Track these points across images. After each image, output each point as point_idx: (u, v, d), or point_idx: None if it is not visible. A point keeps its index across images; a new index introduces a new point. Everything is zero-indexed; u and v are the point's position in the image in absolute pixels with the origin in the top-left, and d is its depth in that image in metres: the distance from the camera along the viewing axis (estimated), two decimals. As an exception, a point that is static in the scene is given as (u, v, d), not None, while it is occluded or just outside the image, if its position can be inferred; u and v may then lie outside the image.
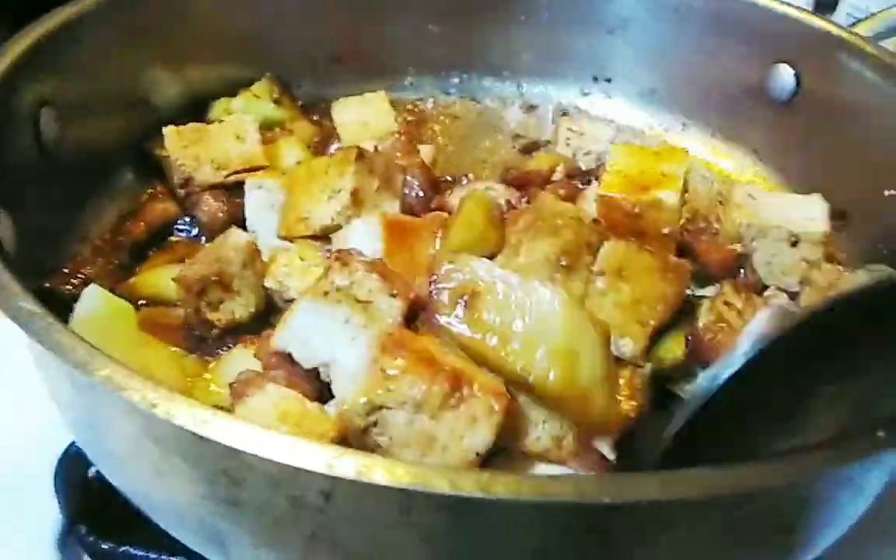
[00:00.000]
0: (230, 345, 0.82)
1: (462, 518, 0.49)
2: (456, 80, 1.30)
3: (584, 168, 1.13)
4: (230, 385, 0.68)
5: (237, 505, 0.54)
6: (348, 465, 0.46)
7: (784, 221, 0.95)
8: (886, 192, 1.00)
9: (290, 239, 0.89)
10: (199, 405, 0.49)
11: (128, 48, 0.99)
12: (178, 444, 0.52)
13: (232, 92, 1.12)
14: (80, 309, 0.76)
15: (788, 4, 1.12)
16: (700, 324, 0.82)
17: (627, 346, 0.73)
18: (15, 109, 0.83)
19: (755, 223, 0.96)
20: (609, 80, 1.27)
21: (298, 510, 0.51)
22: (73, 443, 0.84)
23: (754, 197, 1.00)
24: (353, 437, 0.60)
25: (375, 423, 0.59)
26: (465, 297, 0.65)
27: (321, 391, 0.68)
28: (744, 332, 0.80)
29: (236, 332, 0.83)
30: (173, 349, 0.83)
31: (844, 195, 1.04)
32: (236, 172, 0.97)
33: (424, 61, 1.28)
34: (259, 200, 0.93)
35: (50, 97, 0.87)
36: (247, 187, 0.94)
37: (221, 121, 1.02)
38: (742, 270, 0.97)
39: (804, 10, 1.15)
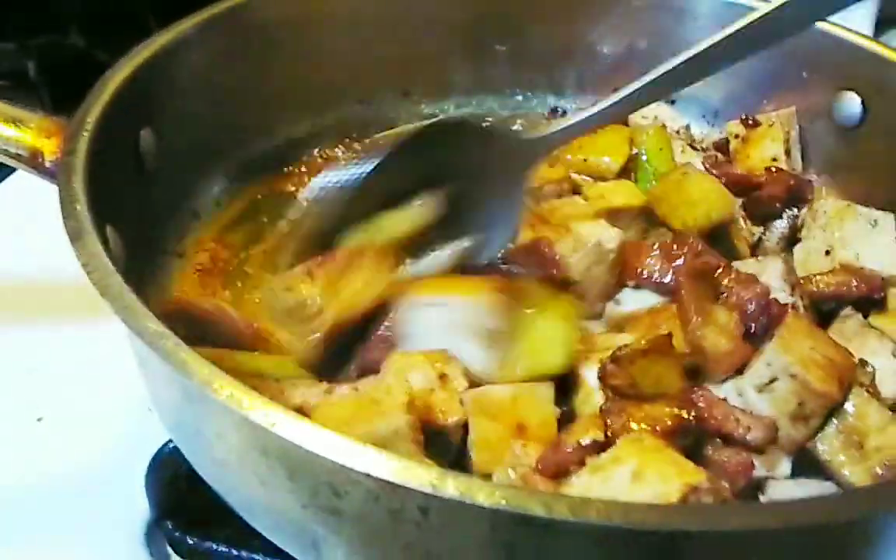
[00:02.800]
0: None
1: (548, 538, 0.52)
2: (519, 98, 1.33)
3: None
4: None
5: (337, 514, 0.59)
6: (450, 485, 0.50)
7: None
8: (950, 222, 1.00)
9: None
10: (311, 423, 0.53)
11: (219, 69, 1.05)
12: (286, 456, 0.57)
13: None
14: None
15: (853, 31, 1.14)
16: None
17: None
18: (119, 132, 0.88)
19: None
20: (673, 102, 1.29)
21: (397, 523, 0.56)
22: (167, 443, 0.90)
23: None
24: None
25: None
26: None
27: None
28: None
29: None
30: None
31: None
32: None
33: (486, 81, 1.32)
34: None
35: (150, 119, 0.93)
36: None
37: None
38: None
39: (868, 37, 1.16)
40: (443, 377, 0.71)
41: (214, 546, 0.85)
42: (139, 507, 0.88)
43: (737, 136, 1.16)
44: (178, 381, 0.61)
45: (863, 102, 1.11)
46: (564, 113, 1.24)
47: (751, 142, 1.15)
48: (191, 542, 0.86)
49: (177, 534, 0.86)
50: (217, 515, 0.79)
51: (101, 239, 0.70)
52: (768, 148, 1.13)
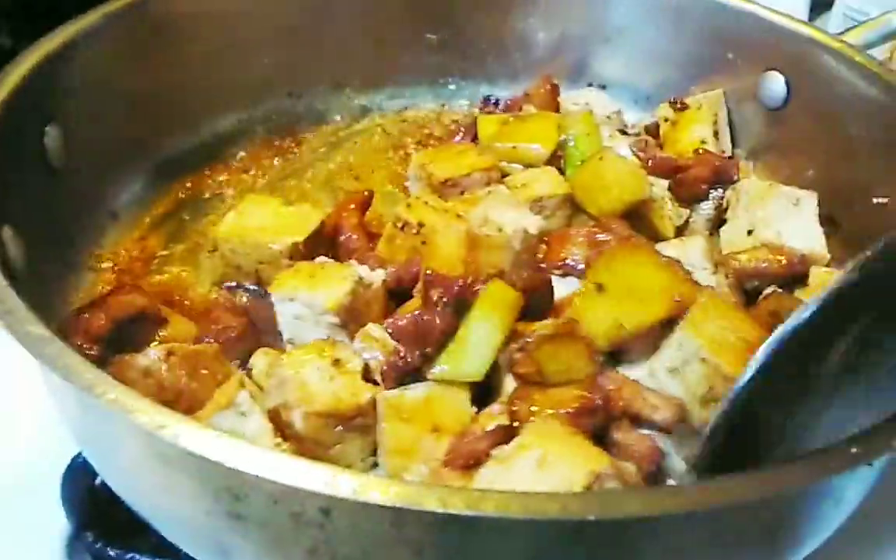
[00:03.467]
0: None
1: (452, 534, 0.51)
2: (453, 87, 1.32)
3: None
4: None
5: (240, 519, 0.57)
6: (345, 484, 0.49)
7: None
8: (875, 200, 1.02)
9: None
10: (203, 427, 0.51)
11: (129, 63, 1.01)
12: (183, 463, 0.55)
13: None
14: None
15: (779, 13, 1.15)
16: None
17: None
18: (21, 127, 0.85)
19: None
20: (604, 87, 1.29)
21: (300, 526, 0.54)
22: (80, 452, 0.87)
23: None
24: None
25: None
26: None
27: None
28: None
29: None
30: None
31: (834, 202, 1.06)
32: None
33: (419, 70, 1.30)
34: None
35: (55, 114, 0.89)
36: None
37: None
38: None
39: (794, 18, 1.16)
40: (337, 362, 0.69)
41: (138, 556, 0.82)
42: (58, 520, 0.85)
43: (666, 120, 1.17)
44: (69, 389, 0.58)
45: (787, 82, 1.12)
46: (497, 102, 1.23)
47: (680, 125, 1.15)
48: (112, 553, 0.83)
49: (98, 545, 0.83)
50: (139, 525, 0.76)
51: (-7, 240, 0.67)
52: (697, 131, 1.14)
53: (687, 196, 1.02)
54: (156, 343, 0.77)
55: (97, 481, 0.85)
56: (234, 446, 0.51)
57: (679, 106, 1.16)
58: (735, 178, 1.03)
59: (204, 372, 0.75)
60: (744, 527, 0.55)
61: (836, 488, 0.59)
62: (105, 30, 0.97)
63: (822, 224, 1.06)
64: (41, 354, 0.55)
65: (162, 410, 0.51)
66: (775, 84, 1.13)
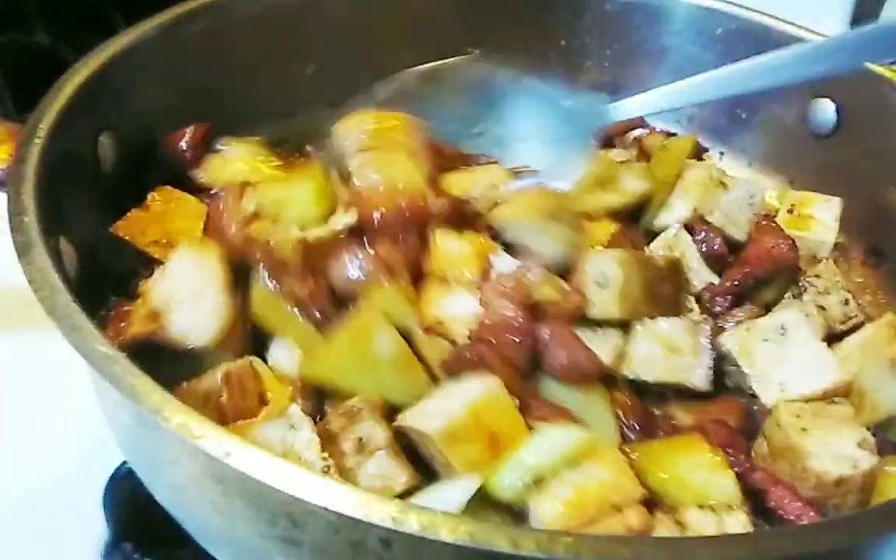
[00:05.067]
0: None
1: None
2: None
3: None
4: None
5: (296, 544, 0.56)
6: (412, 519, 0.48)
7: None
8: (923, 233, 1.01)
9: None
10: (269, 454, 0.51)
11: (182, 71, 1.01)
12: (243, 487, 0.54)
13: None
14: None
15: (827, 38, 1.13)
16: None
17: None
18: (75, 138, 0.85)
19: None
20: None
21: (358, 555, 0.53)
22: (123, 462, 0.87)
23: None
24: None
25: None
26: None
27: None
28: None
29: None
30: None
31: (880, 232, 1.05)
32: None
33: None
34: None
35: (108, 123, 0.90)
36: None
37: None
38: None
39: (846, 44, 1.15)
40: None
41: (175, 568, 0.83)
42: (97, 528, 0.85)
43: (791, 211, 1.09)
44: (128, 407, 0.58)
45: (837, 109, 1.11)
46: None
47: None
48: (150, 563, 0.83)
49: (136, 556, 0.84)
50: (177, 536, 0.76)
51: (51, 252, 0.67)
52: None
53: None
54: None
55: (139, 492, 0.86)
56: (300, 475, 0.50)
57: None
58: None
59: (251, 388, 0.75)
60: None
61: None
62: (156, 40, 0.97)
63: (867, 254, 1.06)
64: (108, 373, 0.55)
65: (228, 437, 0.51)
66: (825, 111, 1.12)
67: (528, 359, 0.78)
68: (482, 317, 0.79)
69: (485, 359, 0.75)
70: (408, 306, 0.79)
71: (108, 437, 0.85)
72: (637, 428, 0.77)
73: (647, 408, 0.81)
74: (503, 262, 0.84)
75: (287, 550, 0.58)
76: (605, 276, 0.83)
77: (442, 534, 0.47)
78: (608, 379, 0.81)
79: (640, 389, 0.83)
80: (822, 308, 0.94)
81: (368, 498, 0.49)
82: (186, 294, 0.75)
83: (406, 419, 0.71)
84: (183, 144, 0.99)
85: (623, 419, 0.77)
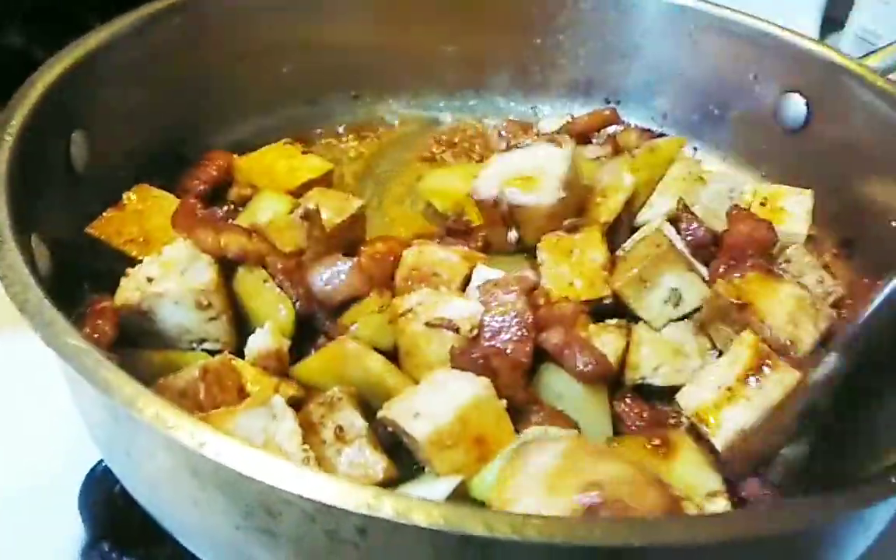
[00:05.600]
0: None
1: (494, 557, 0.51)
2: (472, 102, 1.32)
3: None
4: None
5: (272, 535, 0.56)
6: (386, 505, 0.48)
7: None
8: (893, 223, 1.02)
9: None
10: (243, 444, 0.51)
11: (156, 69, 1.01)
12: (218, 478, 0.54)
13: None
14: None
15: (801, 35, 1.15)
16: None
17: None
18: (47, 136, 0.84)
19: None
20: (619, 103, 1.29)
21: (334, 544, 0.53)
22: (100, 461, 0.86)
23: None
24: None
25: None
26: None
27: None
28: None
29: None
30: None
31: (851, 224, 1.06)
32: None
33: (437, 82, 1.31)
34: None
35: (80, 122, 0.89)
36: None
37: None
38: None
39: (816, 40, 1.17)
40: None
41: (153, 567, 0.82)
42: (74, 528, 0.84)
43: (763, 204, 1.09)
44: (102, 401, 0.58)
45: (807, 104, 1.13)
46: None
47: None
48: (128, 562, 0.83)
49: (114, 555, 0.83)
50: (155, 535, 0.76)
51: (23, 250, 0.67)
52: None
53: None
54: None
55: (116, 490, 0.85)
56: (274, 464, 0.50)
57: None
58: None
59: (229, 383, 0.75)
60: (780, 554, 0.55)
61: (869, 515, 0.59)
62: (136, 34, 0.97)
63: (839, 246, 1.08)
64: (81, 367, 0.54)
65: (202, 427, 0.51)
66: (796, 106, 1.14)
67: (532, 359, 0.79)
68: (486, 315, 0.80)
69: (490, 361, 0.75)
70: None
71: (83, 437, 0.84)
72: (643, 425, 0.80)
73: (651, 406, 0.83)
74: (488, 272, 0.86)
75: (264, 542, 0.58)
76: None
77: (416, 518, 0.47)
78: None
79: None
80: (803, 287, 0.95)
81: (343, 485, 0.49)
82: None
83: (391, 413, 0.71)
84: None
85: (628, 417, 0.80)
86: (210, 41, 1.08)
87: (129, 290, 0.79)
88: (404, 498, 0.48)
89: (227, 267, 0.84)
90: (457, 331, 0.78)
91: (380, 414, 0.72)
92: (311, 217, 0.86)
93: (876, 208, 1.05)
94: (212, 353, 0.82)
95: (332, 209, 0.94)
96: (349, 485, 0.50)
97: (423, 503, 0.48)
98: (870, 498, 0.54)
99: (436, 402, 0.71)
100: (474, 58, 1.30)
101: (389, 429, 0.73)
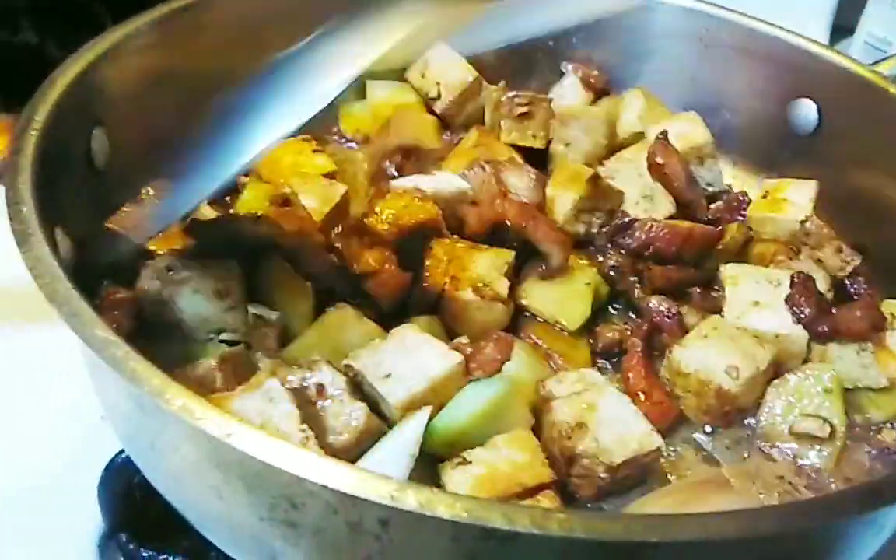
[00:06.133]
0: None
1: (514, 549, 0.52)
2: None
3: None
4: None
5: (295, 527, 0.57)
6: (410, 497, 0.49)
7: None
8: (905, 230, 1.03)
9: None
10: (269, 435, 0.52)
11: (172, 69, 1.02)
12: (243, 468, 0.55)
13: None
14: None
15: (812, 41, 1.16)
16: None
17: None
18: (69, 131, 0.85)
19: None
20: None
21: (356, 535, 0.54)
22: (120, 452, 0.87)
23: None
24: None
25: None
26: None
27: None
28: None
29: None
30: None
31: (862, 230, 1.07)
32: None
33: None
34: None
35: (100, 118, 0.90)
36: None
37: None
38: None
39: (827, 46, 1.18)
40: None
41: (170, 559, 0.83)
42: (92, 519, 0.85)
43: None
44: (129, 392, 0.59)
45: (818, 109, 1.13)
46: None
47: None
48: (146, 555, 0.84)
49: (131, 546, 0.84)
50: (173, 527, 0.76)
51: (49, 242, 0.68)
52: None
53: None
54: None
55: (135, 482, 0.86)
56: (300, 455, 0.51)
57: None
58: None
59: (247, 372, 0.76)
60: (794, 552, 0.55)
61: (883, 516, 0.60)
62: (154, 32, 0.98)
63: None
64: (110, 357, 0.55)
65: (228, 418, 0.52)
66: (807, 111, 1.14)
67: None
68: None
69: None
70: None
71: (102, 429, 0.86)
72: None
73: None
74: None
75: (286, 533, 0.59)
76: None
77: (439, 510, 0.48)
78: None
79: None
80: (820, 261, 0.98)
81: (366, 476, 0.50)
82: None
83: (359, 364, 0.75)
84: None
85: None
86: (226, 38, 1.09)
87: (149, 278, 0.80)
88: (427, 490, 0.49)
89: (246, 257, 0.85)
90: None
91: (346, 360, 0.75)
92: (291, 201, 0.87)
93: (888, 215, 1.06)
94: (229, 344, 0.83)
95: (318, 197, 0.96)
96: (372, 476, 0.51)
97: (445, 495, 0.49)
98: (884, 499, 0.54)
99: (408, 368, 0.74)
100: (484, 60, 1.31)
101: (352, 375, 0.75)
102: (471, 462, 0.69)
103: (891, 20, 1.63)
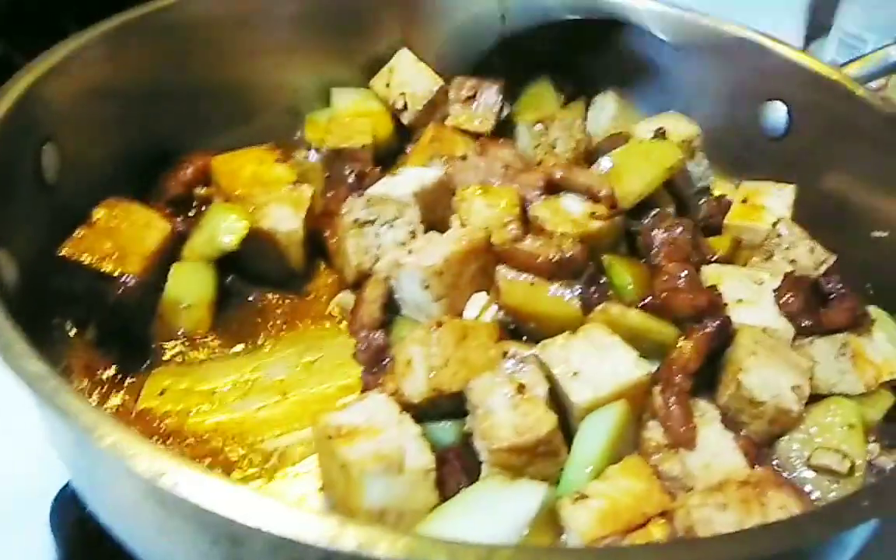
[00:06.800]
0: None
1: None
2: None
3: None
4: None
5: (239, 564, 0.55)
6: (350, 538, 0.47)
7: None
8: (873, 234, 1.02)
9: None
10: (203, 474, 0.49)
11: (126, 82, 0.99)
12: (181, 509, 0.53)
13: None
14: None
15: (782, 43, 1.15)
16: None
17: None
18: (18, 147, 0.83)
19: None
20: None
21: (299, 573, 0.52)
22: (69, 481, 0.85)
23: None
24: None
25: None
26: None
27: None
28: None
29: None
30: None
31: (832, 233, 1.05)
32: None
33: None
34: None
35: (52, 133, 0.88)
36: None
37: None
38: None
39: (797, 48, 1.17)
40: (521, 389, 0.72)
41: (123, 591, 0.81)
42: (45, 550, 0.83)
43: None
44: (64, 426, 0.56)
45: (788, 112, 1.12)
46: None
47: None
48: (100, 586, 0.81)
49: (85, 578, 0.81)
50: (126, 558, 0.74)
51: (-13, 267, 0.66)
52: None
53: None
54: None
55: (87, 510, 0.84)
56: (233, 496, 0.49)
57: None
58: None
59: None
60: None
61: (847, 537, 0.58)
62: (101, 47, 0.95)
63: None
64: (39, 392, 0.53)
65: (161, 456, 0.50)
66: (777, 113, 1.13)
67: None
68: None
69: None
70: None
71: (54, 456, 0.84)
72: None
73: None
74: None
75: (230, 569, 0.56)
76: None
77: (380, 549, 0.46)
78: None
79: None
80: (794, 261, 0.98)
81: (305, 517, 0.48)
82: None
83: (546, 356, 0.76)
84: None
85: None
86: (185, 50, 1.06)
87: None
88: (366, 529, 0.47)
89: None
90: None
91: (536, 350, 0.76)
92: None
93: (858, 218, 1.04)
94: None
95: (290, 204, 0.98)
96: (311, 516, 0.48)
97: (386, 533, 0.47)
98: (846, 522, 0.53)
99: (597, 370, 0.74)
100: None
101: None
102: (588, 496, 0.66)
103: (864, 18, 1.62)
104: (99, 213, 0.90)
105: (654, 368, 0.76)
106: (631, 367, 0.74)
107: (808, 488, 0.76)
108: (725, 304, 0.85)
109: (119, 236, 0.90)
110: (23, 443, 0.89)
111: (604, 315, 0.80)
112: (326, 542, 0.47)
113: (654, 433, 0.74)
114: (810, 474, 0.76)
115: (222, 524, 0.51)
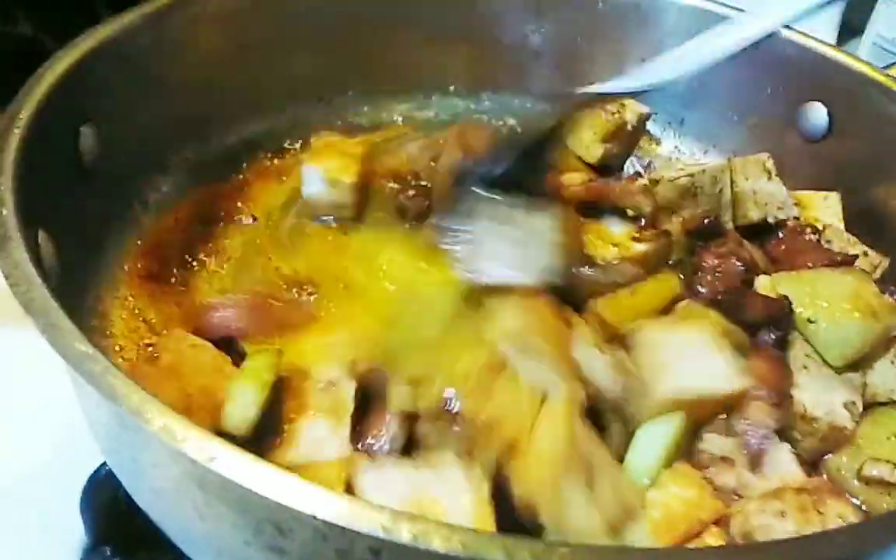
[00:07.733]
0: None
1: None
2: (487, 104, 1.30)
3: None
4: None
5: (282, 553, 0.54)
6: (403, 529, 0.46)
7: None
8: (917, 240, 1.00)
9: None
10: (255, 459, 0.49)
11: (167, 63, 0.99)
12: (226, 493, 0.53)
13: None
14: None
15: (823, 43, 1.13)
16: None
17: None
18: (55, 129, 0.82)
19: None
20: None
21: (346, 563, 0.52)
22: (102, 464, 0.84)
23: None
24: None
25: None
26: None
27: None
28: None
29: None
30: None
31: (872, 235, 1.03)
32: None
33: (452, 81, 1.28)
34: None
35: (89, 115, 0.87)
36: None
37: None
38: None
39: (839, 49, 1.15)
40: None
41: (154, 573, 0.80)
42: (75, 532, 0.83)
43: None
44: (108, 407, 0.56)
45: (829, 114, 1.10)
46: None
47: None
48: (129, 568, 0.81)
49: (115, 559, 0.81)
50: (158, 540, 0.74)
51: (29, 246, 0.65)
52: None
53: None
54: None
55: (119, 494, 0.83)
56: (285, 481, 0.48)
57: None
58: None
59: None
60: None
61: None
62: (139, 31, 0.95)
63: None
64: (87, 373, 0.52)
65: (212, 440, 0.49)
66: (817, 115, 1.11)
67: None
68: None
69: None
70: None
71: (87, 438, 0.83)
72: None
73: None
74: None
75: (272, 558, 0.56)
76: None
77: (434, 543, 0.45)
78: None
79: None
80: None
81: (357, 505, 0.47)
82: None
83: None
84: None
85: None
86: (218, 34, 1.06)
87: None
88: (421, 521, 0.46)
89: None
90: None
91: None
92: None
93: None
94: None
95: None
96: (363, 505, 0.48)
97: (440, 527, 0.46)
98: None
99: (687, 367, 0.71)
100: (488, 58, 1.28)
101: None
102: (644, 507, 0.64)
103: (900, 22, 1.60)
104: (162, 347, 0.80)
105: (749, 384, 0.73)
106: (730, 380, 0.72)
107: (857, 500, 0.74)
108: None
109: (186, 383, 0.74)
110: (54, 424, 0.89)
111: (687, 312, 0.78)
112: (381, 533, 0.46)
113: (709, 445, 0.72)
114: (860, 485, 0.74)
115: (270, 509, 0.50)
